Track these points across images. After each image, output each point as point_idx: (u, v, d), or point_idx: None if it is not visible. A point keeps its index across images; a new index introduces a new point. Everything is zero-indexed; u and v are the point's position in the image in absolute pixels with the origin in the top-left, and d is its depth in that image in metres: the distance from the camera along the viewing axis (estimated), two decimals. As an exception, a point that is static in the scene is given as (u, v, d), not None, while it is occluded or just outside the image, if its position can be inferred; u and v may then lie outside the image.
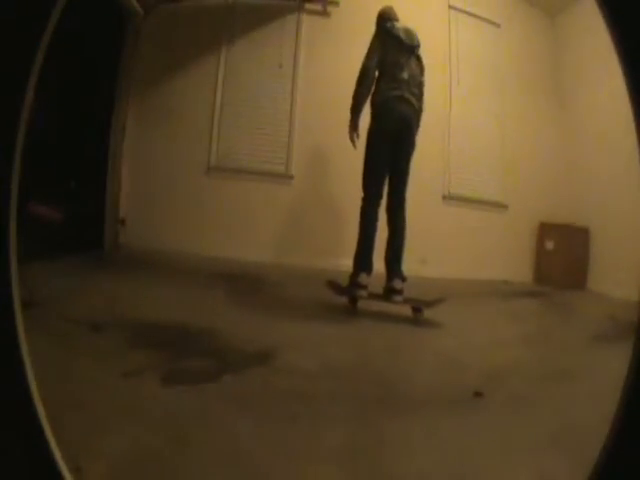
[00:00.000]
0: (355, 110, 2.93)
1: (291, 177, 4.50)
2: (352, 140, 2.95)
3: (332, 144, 4.46)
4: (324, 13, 4.59)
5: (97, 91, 3.69)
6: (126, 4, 3.87)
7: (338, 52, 4.54)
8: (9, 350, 0.58)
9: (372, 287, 2.83)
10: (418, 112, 2.97)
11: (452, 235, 4.40)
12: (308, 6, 4.58)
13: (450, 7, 4.77)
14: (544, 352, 2.29)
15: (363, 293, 2.75)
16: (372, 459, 1.19)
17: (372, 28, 3.09)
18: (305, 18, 4.59)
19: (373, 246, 2.85)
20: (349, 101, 2.96)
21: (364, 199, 2.90)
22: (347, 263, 4.20)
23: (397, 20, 3.06)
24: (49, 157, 3.22)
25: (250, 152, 4.50)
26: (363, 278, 2.76)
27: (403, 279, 2.81)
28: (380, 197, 2.89)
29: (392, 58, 2.91)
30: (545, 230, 4.62)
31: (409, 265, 4.27)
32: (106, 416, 1.23)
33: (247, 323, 2.30)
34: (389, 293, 2.78)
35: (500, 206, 4.73)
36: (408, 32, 2.99)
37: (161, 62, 4.38)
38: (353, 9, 4.56)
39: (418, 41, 3.02)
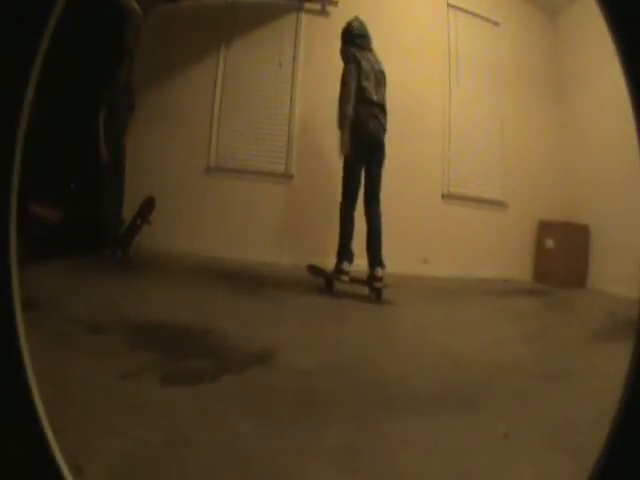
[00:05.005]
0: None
1: (291, 177, 4.50)
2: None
3: (332, 143, 4.46)
4: (323, 12, 4.59)
5: (97, 91, 3.68)
6: (126, 4, 3.87)
7: (337, 51, 4.54)
8: (9, 350, 0.58)
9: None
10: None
11: (452, 234, 4.40)
12: (307, 6, 4.58)
13: (449, 6, 4.77)
14: (544, 350, 2.29)
15: (345, 278, 3.25)
16: (371, 456, 1.19)
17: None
18: (304, 17, 4.59)
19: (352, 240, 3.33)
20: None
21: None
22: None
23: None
24: (49, 158, 3.22)
25: (250, 152, 4.50)
26: (345, 266, 3.27)
27: (383, 267, 3.21)
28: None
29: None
30: (545, 228, 4.62)
31: (411, 264, 4.30)
32: (106, 416, 1.23)
33: (247, 323, 2.30)
34: (372, 280, 3.20)
35: (500, 204, 4.73)
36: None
37: (161, 62, 4.38)
38: (352, 9, 4.54)
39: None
